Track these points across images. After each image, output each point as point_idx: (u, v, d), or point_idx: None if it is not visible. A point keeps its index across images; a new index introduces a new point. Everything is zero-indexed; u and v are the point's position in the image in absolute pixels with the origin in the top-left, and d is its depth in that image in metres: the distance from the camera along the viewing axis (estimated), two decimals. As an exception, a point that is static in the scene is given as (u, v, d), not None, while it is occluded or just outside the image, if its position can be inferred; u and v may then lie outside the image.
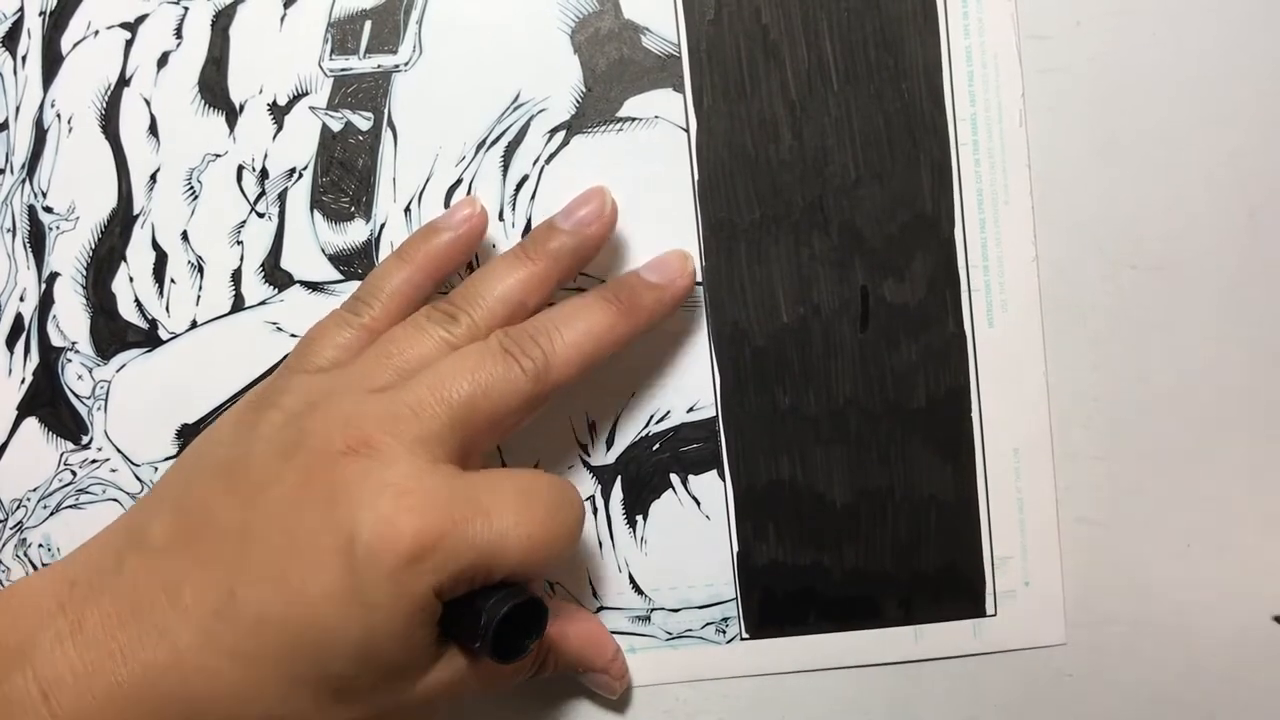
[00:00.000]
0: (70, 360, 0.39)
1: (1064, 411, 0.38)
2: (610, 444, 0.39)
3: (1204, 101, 0.37)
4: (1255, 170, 0.37)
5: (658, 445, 0.39)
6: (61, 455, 0.40)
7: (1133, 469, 0.38)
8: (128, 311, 0.39)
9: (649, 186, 0.38)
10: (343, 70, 0.38)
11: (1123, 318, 0.38)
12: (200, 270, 0.39)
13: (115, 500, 0.40)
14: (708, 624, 0.39)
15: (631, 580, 0.39)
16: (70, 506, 0.40)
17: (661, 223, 0.38)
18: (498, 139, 0.38)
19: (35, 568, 0.40)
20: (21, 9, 0.38)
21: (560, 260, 0.35)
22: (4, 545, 0.40)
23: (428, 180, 0.38)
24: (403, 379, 0.33)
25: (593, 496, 0.39)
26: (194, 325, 0.39)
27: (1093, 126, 0.37)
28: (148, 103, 0.38)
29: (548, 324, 0.34)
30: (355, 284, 0.38)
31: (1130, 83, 0.37)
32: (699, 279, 0.38)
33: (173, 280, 0.39)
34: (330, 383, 0.33)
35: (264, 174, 0.38)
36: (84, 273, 0.39)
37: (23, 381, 0.39)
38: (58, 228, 0.39)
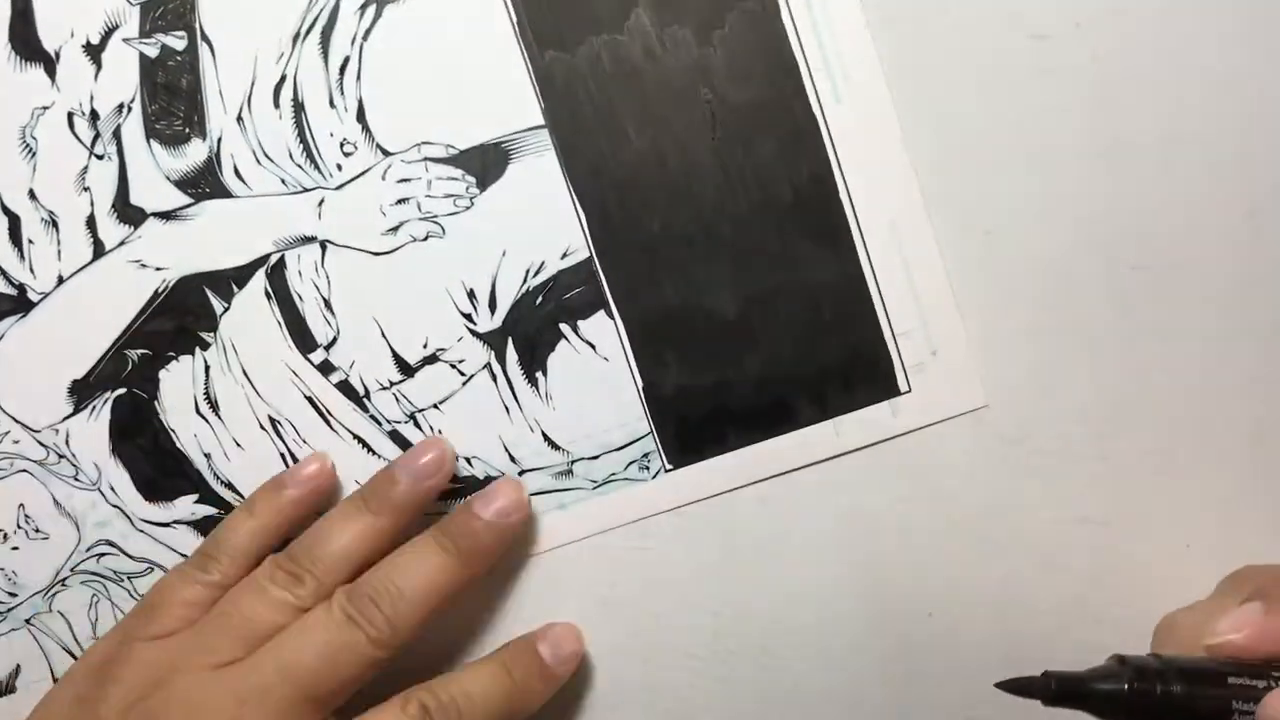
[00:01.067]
0: (-51, 342, 0.39)
1: (1063, 411, 0.37)
2: (493, 307, 0.39)
3: (1204, 101, 0.36)
4: (1255, 170, 0.36)
5: (540, 299, 0.38)
6: (-38, 438, 0.40)
7: (1133, 469, 0.37)
8: (-6, 282, 0.39)
9: (471, 41, 0.37)
10: (146, -5, 0.38)
11: (1122, 317, 0.37)
12: (55, 225, 0.39)
13: (25, 470, 0.40)
14: (630, 463, 0.39)
15: (546, 438, 0.39)
16: (-17, 487, 0.40)
17: (490, 74, 0.37)
18: (311, 28, 0.38)
19: (-34, 558, 0.40)
20: None
21: (401, 513, 0.37)
22: (-74, 539, 0.40)
23: (253, 84, 0.38)
24: (248, 648, 0.34)
25: (488, 364, 0.39)
26: (61, 281, 0.39)
27: (1093, 126, 0.36)
28: (-36, 70, 0.38)
29: (390, 585, 0.35)
30: (207, 203, 0.38)
31: (1130, 83, 0.36)
32: (542, 121, 0.37)
33: (30, 240, 0.39)
34: (173, 656, 0.34)
35: (94, 115, 0.38)
36: (-57, 253, 0.39)
37: (-92, 374, 0.39)
38: (-93, 214, 0.39)
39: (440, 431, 0.39)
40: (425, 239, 0.38)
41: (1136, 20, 0.36)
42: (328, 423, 0.39)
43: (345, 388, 0.39)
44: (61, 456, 0.40)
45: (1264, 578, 0.31)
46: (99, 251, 0.39)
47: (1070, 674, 0.29)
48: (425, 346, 0.39)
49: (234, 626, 0.35)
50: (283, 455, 0.39)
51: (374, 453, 0.39)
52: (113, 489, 0.40)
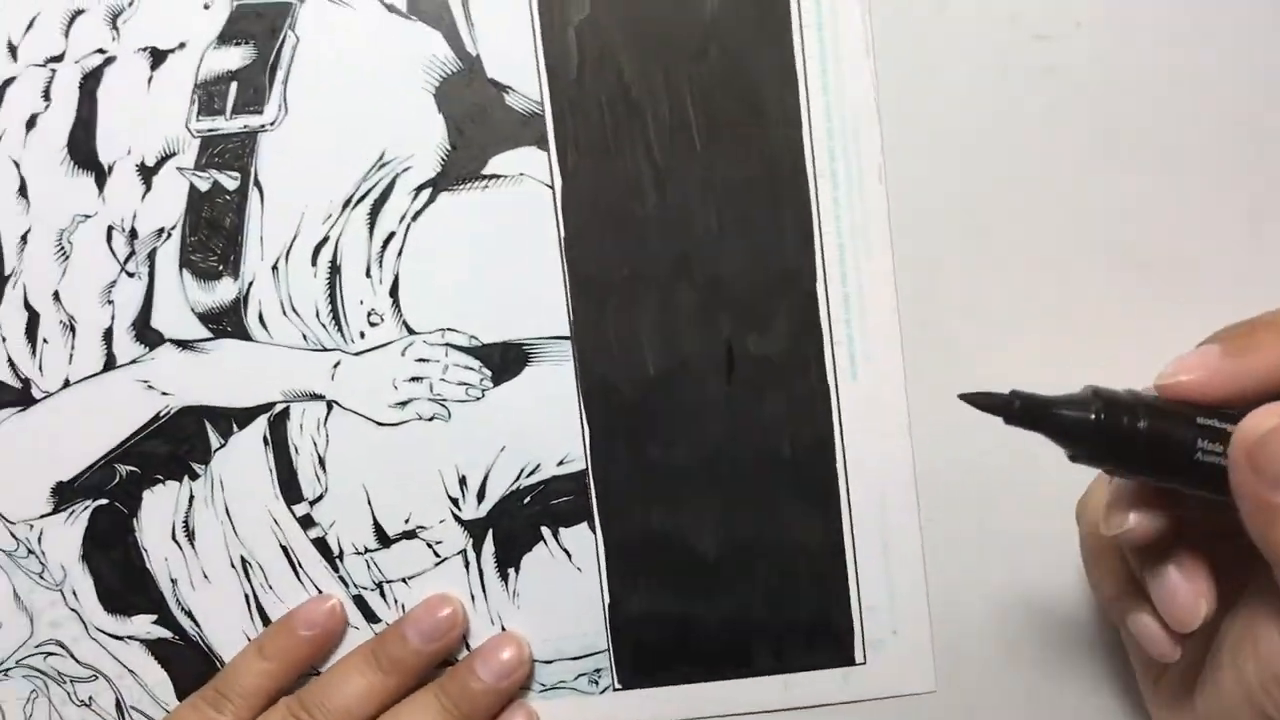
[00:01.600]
0: (-56, 419, 0.39)
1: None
2: (481, 498, 0.39)
3: (1204, 101, 0.37)
4: (1255, 170, 0.37)
5: (528, 499, 0.39)
6: (-63, 514, 0.40)
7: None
8: (1, 370, 0.39)
9: (516, 243, 0.38)
10: (210, 130, 0.38)
11: (1123, 317, 0.37)
12: (72, 330, 0.39)
13: (-9, 558, 0.40)
14: (580, 675, 0.40)
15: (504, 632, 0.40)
16: (-53, 564, 0.40)
17: (529, 278, 0.38)
18: (363, 197, 0.38)
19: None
20: (-109, 72, 0.38)
21: (410, 673, 0.38)
22: (-120, 604, 0.40)
23: (295, 238, 0.38)
24: None
25: (464, 550, 0.39)
26: (67, 384, 0.39)
27: (1093, 126, 0.37)
28: (17, 164, 0.39)
29: None
30: (226, 341, 0.39)
31: (1130, 83, 0.37)
32: (568, 333, 0.38)
33: (45, 340, 0.39)
34: None
35: (133, 234, 0.39)
36: (-43, 332, 0.39)
37: (-103, 441, 0.40)
38: (-70, 288, 0.39)
39: (404, 607, 0.39)
40: (430, 419, 0.39)
41: (1136, 20, 0.37)
42: (297, 574, 0.40)
43: (321, 544, 0.39)
44: (31, 552, 0.40)
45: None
46: (109, 364, 0.39)
47: (1038, 396, 0.28)
48: (407, 521, 0.39)
49: None
50: (247, 596, 0.40)
51: (347, 622, 0.40)
52: (75, 593, 0.40)
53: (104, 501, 0.40)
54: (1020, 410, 0.28)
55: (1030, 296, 0.38)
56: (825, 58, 0.37)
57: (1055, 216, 0.37)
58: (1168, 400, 0.27)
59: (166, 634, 0.40)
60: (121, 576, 0.40)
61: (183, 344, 0.39)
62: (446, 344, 0.38)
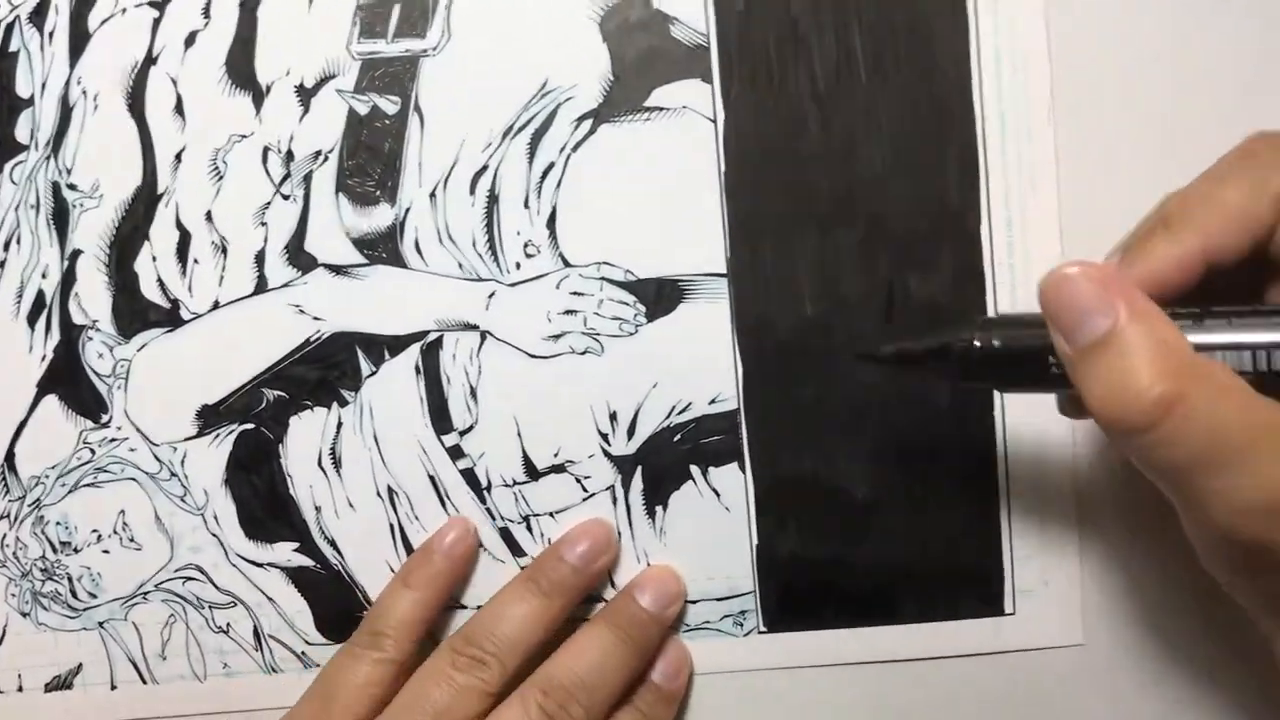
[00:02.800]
0: (91, 339, 0.39)
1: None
2: (631, 434, 0.39)
3: (1204, 101, 0.36)
4: None
5: (679, 436, 0.39)
6: (81, 433, 0.40)
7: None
8: (150, 291, 0.39)
9: (675, 177, 0.38)
10: (370, 54, 0.38)
11: None
12: (224, 251, 0.39)
13: (134, 479, 0.40)
14: (725, 616, 0.39)
15: (649, 571, 0.39)
16: (88, 485, 0.40)
17: (687, 213, 0.38)
18: (524, 126, 0.38)
19: (53, 546, 0.40)
20: (50, -15, 0.38)
21: (570, 594, 0.37)
22: (22, 522, 0.40)
23: (453, 166, 0.38)
24: None
25: (612, 486, 0.39)
26: (216, 306, 0.39)
27: (1093, 126, 0.37)
28: (174, 82, 0.38)
29: (582, 679, 0.36)
30: (380, 268, 0.38)
31: (1130, 82, 0.36)
32: (724, 270, 0.38)
33: (196, 260, 0.39)
34: None
35: (289, 156, 0.38)
36: (107, 251, 0.39)
37: (43, 358, 0.39)
38: (81, 205, 0.39)
39: (550, 541, 0.39)
40: (583, 353, 0.38)
41: (1136, 20, 0.36)
42: (443, 505, 0.39)
43: (469, 476, 0.39)
44: (174, 475, 0.40)
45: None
46: (261, 287, 0.39)
47: (909, 343, 0.31)
48: (556, 455, 0.39)
49: (428, 718, 0.35)
50: (392, 526, 0.39)
51: (481, 545, 0.39)
52: (216, 518, 0.40)
53: (250, 426, 0.39)
54: (895, 356, 0.32)
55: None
56: (999, -4, 0.37)
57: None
58: (1031, 316, 0.29)
59: (308, 562, 0.40)
60: (264, 503, 0.40)
61: (336, 269, 0.39)
62: (602, 278, 0.38)
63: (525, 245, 0.38)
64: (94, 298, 0.39)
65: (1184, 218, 0.28)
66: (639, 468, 0.39)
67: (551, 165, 0.38)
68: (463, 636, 0.37)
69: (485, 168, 0.38)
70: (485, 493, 0.39)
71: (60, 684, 0.41)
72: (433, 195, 0.38)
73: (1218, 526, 0.26)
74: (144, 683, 0.40)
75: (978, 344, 0.29)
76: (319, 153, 0.38)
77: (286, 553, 0.40)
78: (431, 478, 0.39)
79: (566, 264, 0.38)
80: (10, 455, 0.40)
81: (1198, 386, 0.25)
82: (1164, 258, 0.28)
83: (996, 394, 0.38)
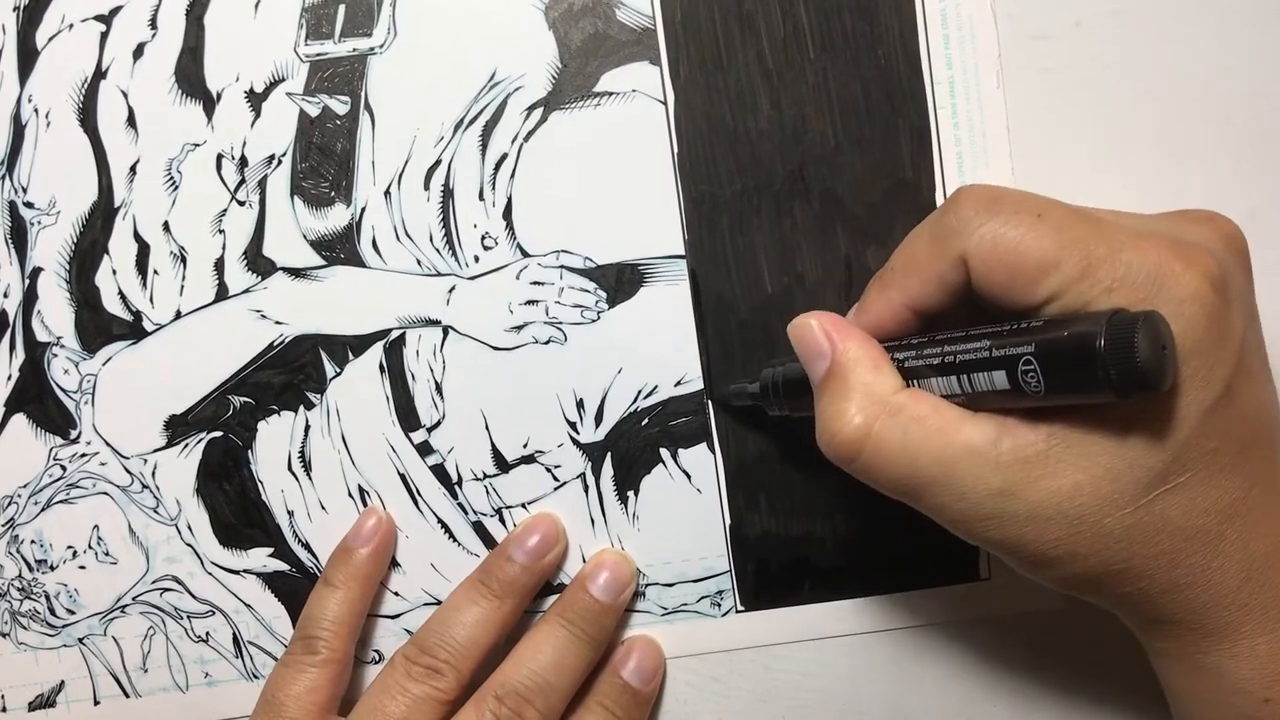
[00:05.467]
0: (56, 355, 0.39)
1: None
2: (599, 421, 0.39)
3: (1204, 101, 0.37)
4: (1255, 170, 0.37)
5: (646, 420, 0.39)
6: (51, 450, 0.40)
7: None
8: (112, 304, 0.39)
9: (629, 161, 0.38)
10: (318, 55, 0.38)
11: None
12: (183, 260, 0.39)
13: (106, 494, 0.40)
14: (703, 597, 0.39)
15: (625, 557, 0.39)
16: (61, 501, 0.40)
17: (642, 197, 0.38)
18: (475, 118, 0.38)
19: (29, 565, 0.40)
20: (-5, 5, 0.38)
21: (521, 593, 0.37)
22: (-4, 543, 0.40)
23: (407, 162, 0.38)
24: None
25: (583, 474, 0.39)
26: (178, 315, 0.39)
27: (1093, 126, 0.37)
28: (125, 94, 0.38)
29: (540, 680, 0.35)
30: (339, 269, 0.38)
31: (1130, 83, 0.37)
32: (683, 252, 0.38)
33: (156, 271, 0.39)
34: None
35: (243, 162, 0.38)
36: (67, 267, 0.39)
37: (9, 378, 0.39)
38: (39, 223, 0.39)
39: (524, 532, 0.39)
40: (546, 343, 0.38)
41: (1136, 20, 0.36)
42: (415, 503, 0.39)
43: (439, 472, 0.39)
44: (145, 487, 0.40)
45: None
46: (222, 294, 0.39)
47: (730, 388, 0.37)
48: (525, 446, 0.39)
49: None
50: (365, 526, 0.39)
51: (456, 540, 0.39)
52: (189, 528, 0.40)
53: (218, 434, 0.39)
54: (719, 398, 0.38)
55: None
56: (940, -36, 0.37)
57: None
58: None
59: (283, 567, 0.40)
60: (237, 509, 0.40)
61: (296, 272, 0.39)
62: (561, 266, 0.38)
63: (483, 238, 0.38)
64: (56, 314, 0.39)
65: (893, 275, 0.30)
66: (609, 454, 0.39)
67: (504, 156, 0.38)
68: (415, 645, 0.36)
69: (439, 162, 0.38)
70: (456, 488, 0.39)
71: (44, 702, 0.41)
72: (387, 193, 0.38)
73: (957, 534, 0.29)
74: (127, 696, 0.40)
75: (769, 378, 0.34)
76: (272, 157, 0.38)
77: (261, 558, 0.40)
78: (402, 475, 0.39)
79: (525, 254, 0.38)
80: (-18, 476, 0.40)
81: (888, 421, 0.29)
82: (880, 311, 0.31)
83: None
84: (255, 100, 0.38)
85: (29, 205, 0.39)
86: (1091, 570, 0.28)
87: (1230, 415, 0.27)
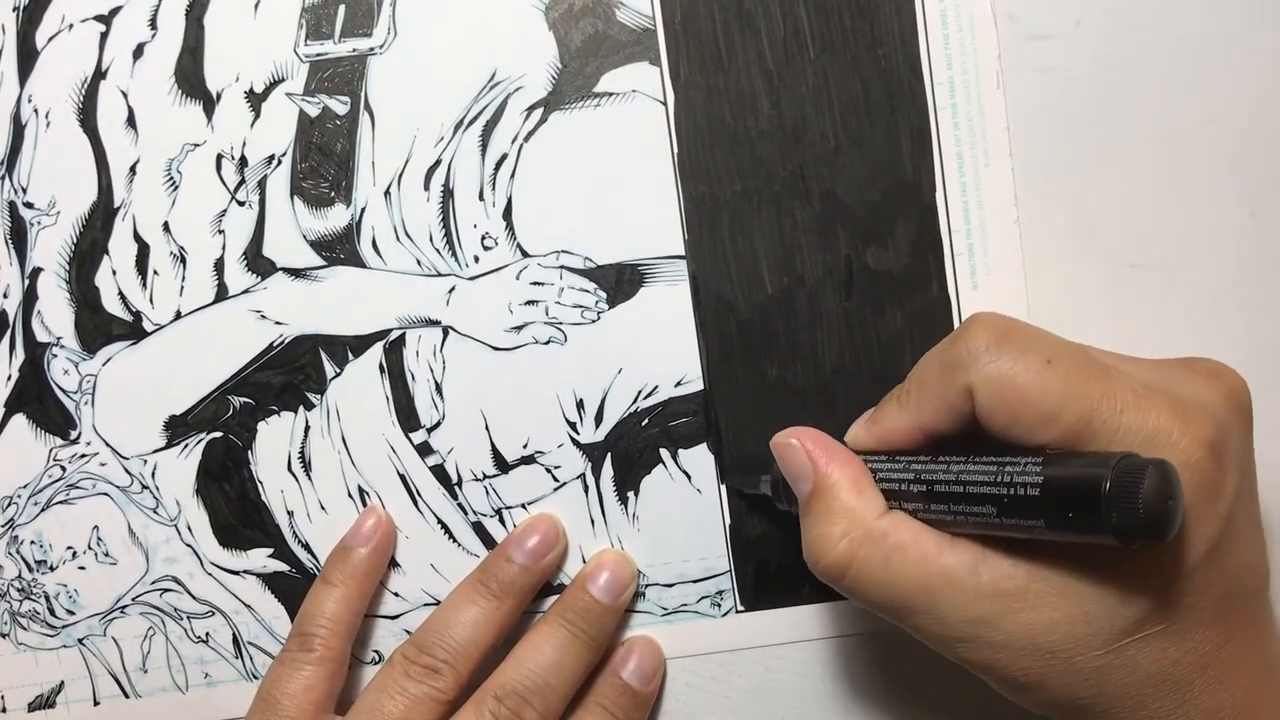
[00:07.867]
0: (56, 355, 0.39)
1: None
2: (599, 421, 0.39)
3: (1204, 101, 0.37)
4: (1255, 170, 0.37)
5: (647, 420, 0.39)
6: (50, 451, 0.40)
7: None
8: (111, 304, 0.39)
9: (629, 161, 0.38)
10: (318, 55, 0.38)
11: (1123, 317, 0.37)
12: (183, 260, 0.39)
13: (106, 494, 0.40)
14: (703, 598, 0.39)
15: (625, 557, 0.39)
16: (61, 502, 0.40)
17: (643, 197, 0.38)
18: (475, 118, 0.38)
19: (29, 565, 0.40)
20: (-5, 5, 0.38)
21: (519, 594, 0.37)
22: (-4, 543, 0.40)
23: (407, 162, 0.38)
24: None
25: (583, 474, 0.39)
26: (178, 316, 0.39)
27: (1093, 126, 0.37)
28: (125, 95, 0.38)
29: (539, 680, 0.35)
30: (339, 269, 0.38)
31: (1130, 83, 0.37)
32: (683, 252, 0.38)
33: (155, 271, 0.39)
34: None
35: (243, 162, 0.38)
36: (67, 267, 0.39)
37: (9, 378, 0.39)
38: (39, 223, 0.39)
39: (524, 532, 0.39)
40: (546, 343, 0.38)
41: (1136, 20, 0.36)
42: (415, 503, 0.39)
43: (439, 472, 0.39)
44: (145, 487, 0.40)
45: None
46: (221, 294, 0.39)
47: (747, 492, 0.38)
48: (525, 446, 0.39)
49: None
50: (365, 527, 0.39)
51: (455, 540, 0.39)
52: (189, 528, 0.40)
53: (218, 434, 0.39)
54: (731, 485, 0.38)
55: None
56: (941, -36, 0.37)
57: (1054, 215, 0.37)
58: None
59: (283, 567, 0.40)
60: (236, 510, 0.40)
61: (295, 272, 0.39)
62: (561, 266, 0.38)
63: (483, 238, 0.38)
64: (56, 314, 0.39)
65: (909, 395, 0.31)
66: (609, 454, 0.39)
67: (504, 156, 0.38)
68: (414, 644, 0.36)
69: (438, 162, 0.38)
70: (456, 488, 0.39)
71: (43, 703, 0.41)
72: (387, 193, 0.38)
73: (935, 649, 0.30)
74: (126, 697, 0.40)
75: (778, 477, 0.34)
76: (272, 157, 0.38)
77: (261, 559, 0.40)
78: (401, 476, 0.39)
79: (525, 254, 0.38)
80: (-19, 476, 0.40)
81: (870, 549, 0.30)
82: (892, 427, 0.31)
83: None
84: (255, 100, 0.38)
85: (29, 205, 0.39)
86: (1060, 700, 0.28)
87: (1213, 572, 0.27)
